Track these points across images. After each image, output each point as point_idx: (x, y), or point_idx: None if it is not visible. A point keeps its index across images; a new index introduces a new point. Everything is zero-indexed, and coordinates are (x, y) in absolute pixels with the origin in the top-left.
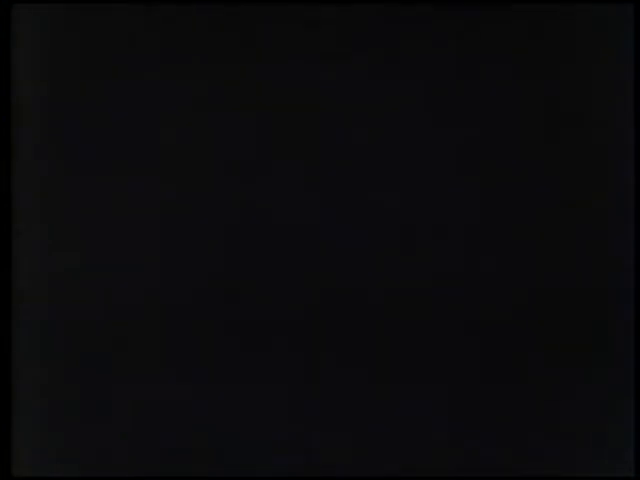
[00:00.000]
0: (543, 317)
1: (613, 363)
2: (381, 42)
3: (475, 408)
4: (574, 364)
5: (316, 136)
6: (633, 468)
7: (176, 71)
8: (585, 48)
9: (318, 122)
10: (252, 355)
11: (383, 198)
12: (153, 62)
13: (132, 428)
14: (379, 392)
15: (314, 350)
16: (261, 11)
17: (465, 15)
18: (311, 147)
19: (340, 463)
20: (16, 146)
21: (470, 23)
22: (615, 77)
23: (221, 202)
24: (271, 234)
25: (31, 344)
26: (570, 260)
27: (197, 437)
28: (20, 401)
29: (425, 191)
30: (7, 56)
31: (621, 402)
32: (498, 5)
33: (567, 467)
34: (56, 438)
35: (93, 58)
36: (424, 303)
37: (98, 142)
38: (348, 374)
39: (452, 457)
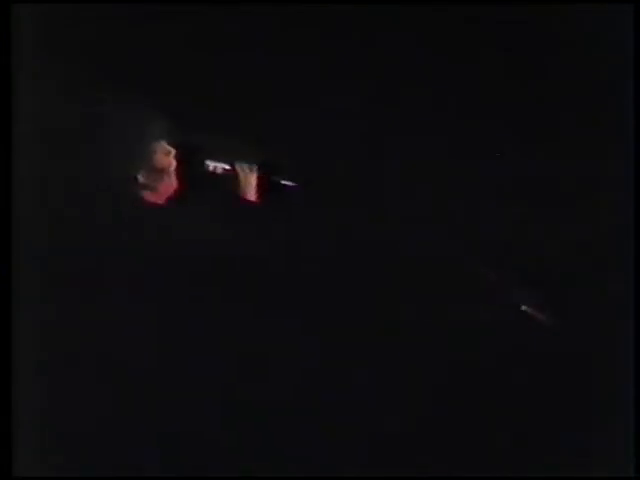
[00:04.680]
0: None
1: (613, 363)
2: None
3: (474, 408)
4: (574, 365)
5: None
6: (633, 468)
7: (176, 70)
8: (585, 48)
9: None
10: None
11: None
12: (152, 62)
13: (132, 428)
14: None
15: None
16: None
17: (464, 15)
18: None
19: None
20: (16, 146)
21: (469, 23)
22: (615, 77)
23: None
24: None
25: (31, 344)
26: (570, 256)
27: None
28: (20, 402)
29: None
30: (7, 56)
31: (621, 402)
32: (498, 5)
33: (567, 467)
34: (56, 438)
35: (92, 58)
36: None
37: (97, 141)
38: None
39: (451, 456)
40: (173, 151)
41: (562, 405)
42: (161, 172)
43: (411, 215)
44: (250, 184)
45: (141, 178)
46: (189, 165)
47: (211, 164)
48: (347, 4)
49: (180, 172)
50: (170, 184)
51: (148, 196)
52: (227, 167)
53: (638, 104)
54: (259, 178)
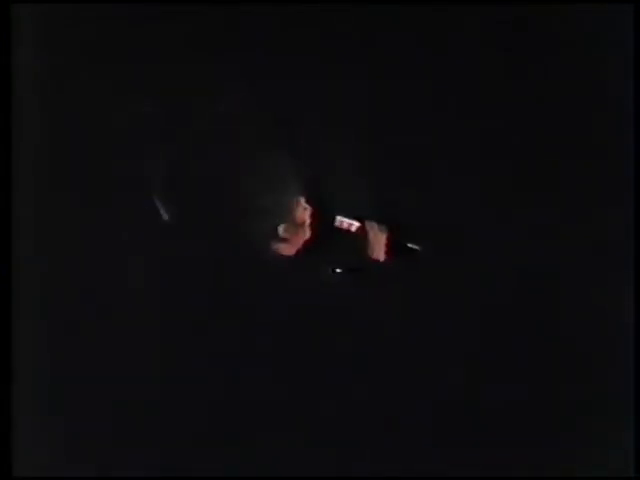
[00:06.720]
0: (541, 314)
1: (613, 363)
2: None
3: (473, 409)
4: (574, 365)
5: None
6: (633, 468)
7: (175, 69)
8: (585, 48)
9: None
10: None
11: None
12: (153, 61)
13: (131, 429)
14: None
15: None
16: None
17: (464, 15)
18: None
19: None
20: (16, 145)
21: (470, 23)
22: (615, 77)
23: None
24: None
25: (31, 344)
26: (571, 255)
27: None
28: (20, 401)
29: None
30: (7, 56)
31: (621, 402)
32: (498, 5)
33: (568, 467)
34: (56, 438)
35: (92, 58)
36: None
37: (96, 140)
38: None
39: (449, 456)
40: (310, 208)
41: (562, 405)
42: (299, 226)
43: (411, 215)
44: (379, 243)
45: (282, 231)
46: (322, 219)
47: (340, 220)
48: (347, 4)
49: (314, 226)
50: (303, 237)
51: (282, 249)
52: (357, 224)
53: (638, 104)
54: (388, 238)
